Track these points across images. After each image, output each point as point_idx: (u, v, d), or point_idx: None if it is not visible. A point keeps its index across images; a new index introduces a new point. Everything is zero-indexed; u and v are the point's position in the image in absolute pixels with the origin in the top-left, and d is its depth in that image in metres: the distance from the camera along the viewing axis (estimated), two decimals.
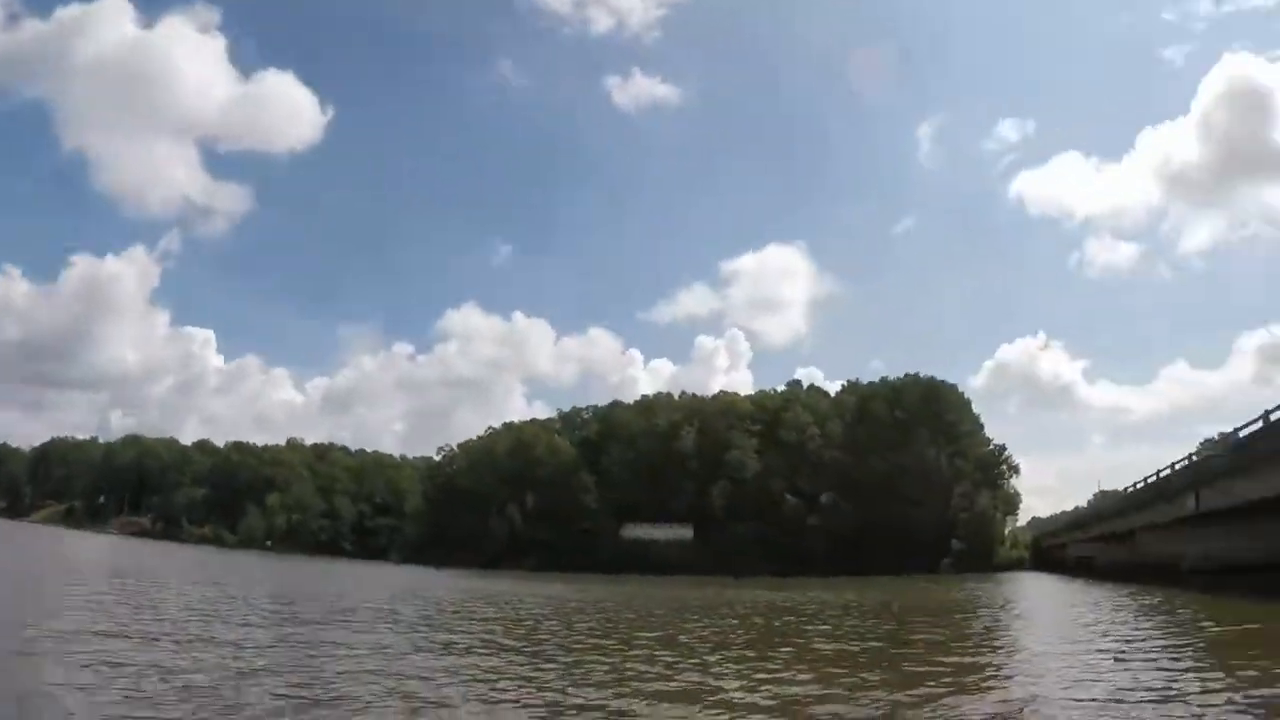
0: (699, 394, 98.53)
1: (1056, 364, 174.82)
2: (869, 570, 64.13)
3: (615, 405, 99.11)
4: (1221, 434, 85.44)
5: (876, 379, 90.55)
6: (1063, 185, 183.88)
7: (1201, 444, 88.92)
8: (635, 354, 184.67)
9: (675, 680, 10.43)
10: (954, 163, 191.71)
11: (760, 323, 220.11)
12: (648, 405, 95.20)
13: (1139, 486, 44.69)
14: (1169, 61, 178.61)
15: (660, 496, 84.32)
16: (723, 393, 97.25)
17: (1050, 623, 21.24)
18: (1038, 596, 35.95)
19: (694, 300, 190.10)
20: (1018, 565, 75.69)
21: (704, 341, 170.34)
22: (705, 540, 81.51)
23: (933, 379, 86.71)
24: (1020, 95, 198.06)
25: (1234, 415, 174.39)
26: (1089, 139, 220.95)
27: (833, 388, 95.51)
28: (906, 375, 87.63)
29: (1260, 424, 26.41)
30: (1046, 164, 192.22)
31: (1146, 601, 25.14)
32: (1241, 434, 28.67)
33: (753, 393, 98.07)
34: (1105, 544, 54.16)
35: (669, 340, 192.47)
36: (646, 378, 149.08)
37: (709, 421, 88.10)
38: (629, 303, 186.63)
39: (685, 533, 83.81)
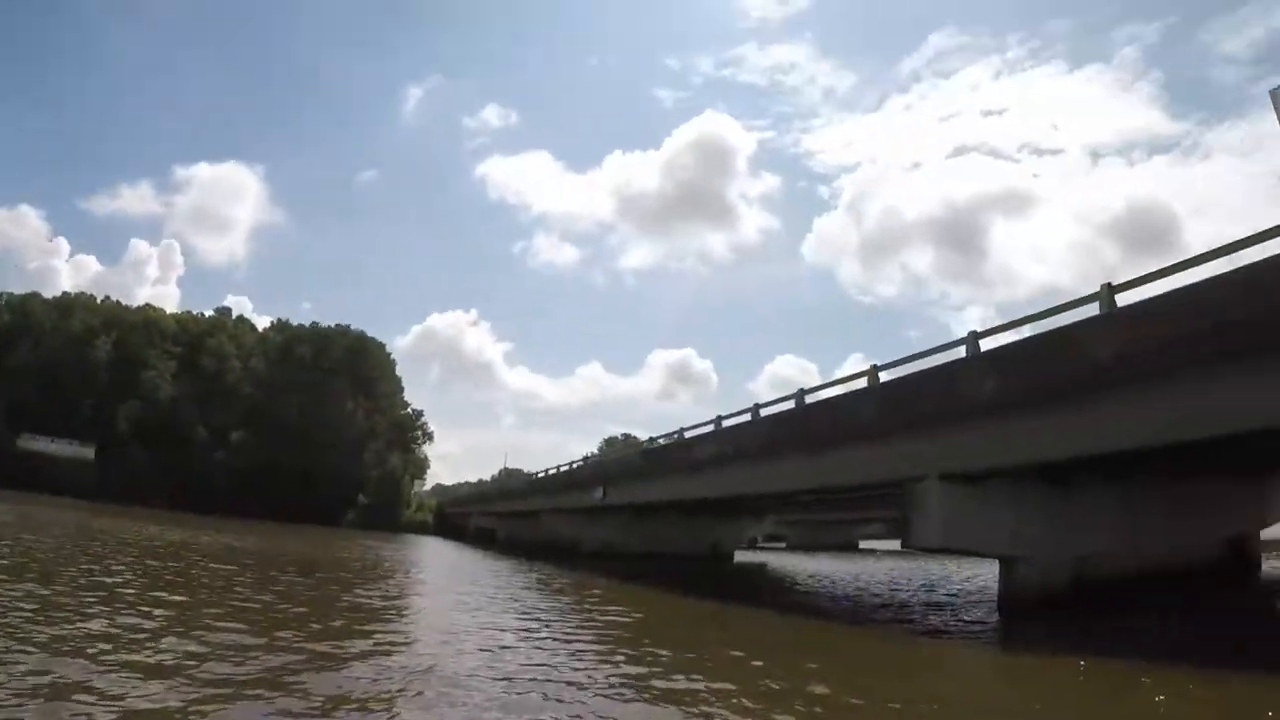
0: (124, 301, 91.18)
1: (482, 341, 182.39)
2: (274, 514, 66.67)
3: (33, 297, 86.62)
4: (625, 435, 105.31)
5: (307, 323, 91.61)
6: (527, 180, 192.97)
7: (604, 441, 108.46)
8: (63, 243, 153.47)
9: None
10: (432, 130, 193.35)
11: (200, 239, 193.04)
12: (67, 304, 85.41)
13: (550, 473, 50.06)
14: (659, 101, 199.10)
15: (64, 409, 76.89)
16: (149, 306, 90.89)
17: (452, 590, 21.07)
18: (442, 563, 36.10)
19: (136, 199, 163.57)
20: (422, 529, 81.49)
21: (138, 246, 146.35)
22: (107, 463, 76.05)
23: (362, 333, 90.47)
24: (513, 87, 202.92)
25: (638, 420, 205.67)
26: (563, 146, 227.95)
27: (261, 322, 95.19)
28: (337, 325, 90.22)
29: (665, 439, 31.71)
30: (517, 155, 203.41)
31: (548, 577, 25.89)
32: (655, 443, 33.69)
33: (179, 311, 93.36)
34: (507, 519, 61.33)
35: (101, 236, 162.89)
36: (69, 271, 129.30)
37: (128, 335, 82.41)
38: (67, 185, 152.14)
39: (87, 453, 77.32)
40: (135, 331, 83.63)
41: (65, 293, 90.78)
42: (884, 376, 18.07)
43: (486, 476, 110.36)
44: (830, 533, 58.99)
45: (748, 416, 22.97)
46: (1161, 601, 15.30)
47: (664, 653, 10.98)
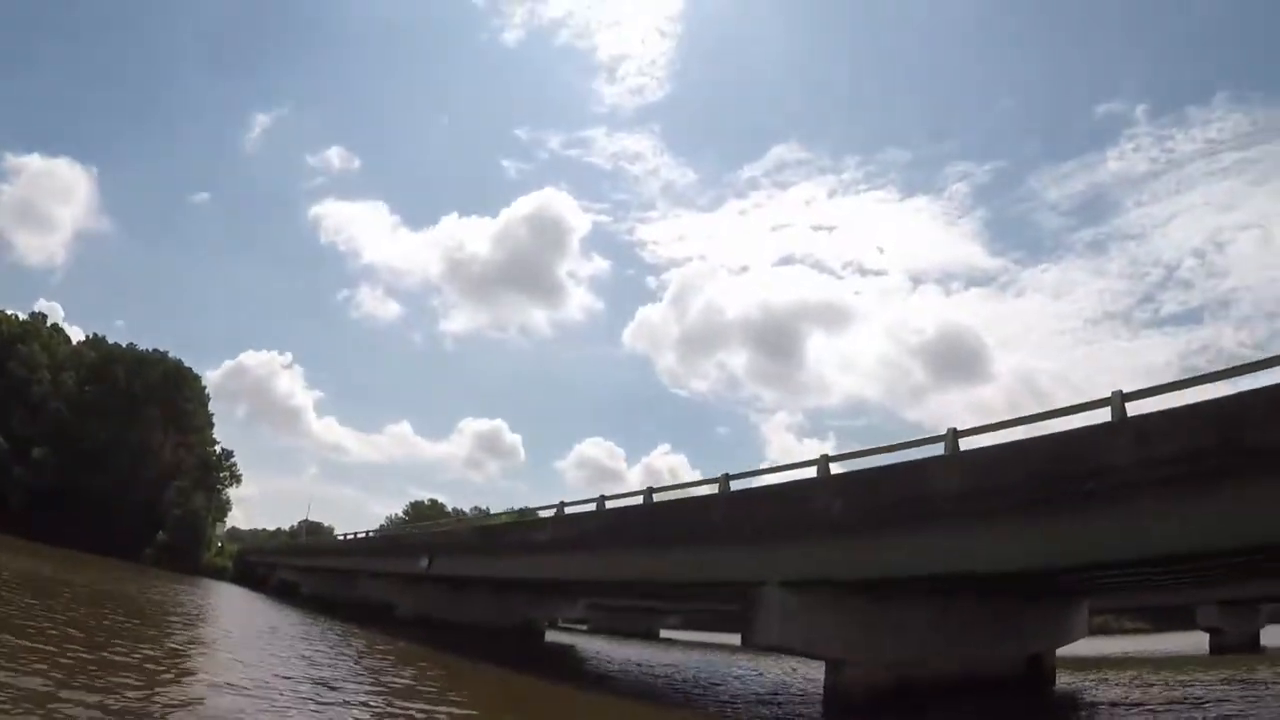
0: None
1: (294, 386, 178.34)
2: (70, 541, 63.65)
3: None
4: (432, 500, 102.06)
5: (124, 342, 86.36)
6: (359, 228, 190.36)
7: (410, 505, 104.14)
8: None
9: None
10: (273, 163, 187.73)
11: (21, 236, 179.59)
12: None
13: (370, 535, 53.24)
14: (504, 170, 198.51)
15: None
16: None
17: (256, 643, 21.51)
18: (248, 613, 36.51)
19: None
20: (220, 574, 77.48)
21: None
22: None
23: (180, 363, 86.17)
24: (360, 132, 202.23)
25: (442, 485, 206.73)
26: (402, 199, 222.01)
27: (75, 335, 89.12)
28: (154, 351, 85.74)
29: (500, 518, 36.19)
30: (354, 202, 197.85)
31: (353, 637, 27.30)
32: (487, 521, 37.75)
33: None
34: (315, 575, 59.89)
35: None
36: None
37: None
38: None
39: None
40: None
41: None
42: (734, 485, 19.12)
43: (285, 526, 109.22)
44: (632, 620, 60.13)
45: (592, 506, 23.57)
46: (973, 705, 16.71)
47: None
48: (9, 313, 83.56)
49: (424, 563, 34.75)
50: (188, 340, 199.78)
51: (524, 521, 27.70)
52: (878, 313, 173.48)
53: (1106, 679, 24.82)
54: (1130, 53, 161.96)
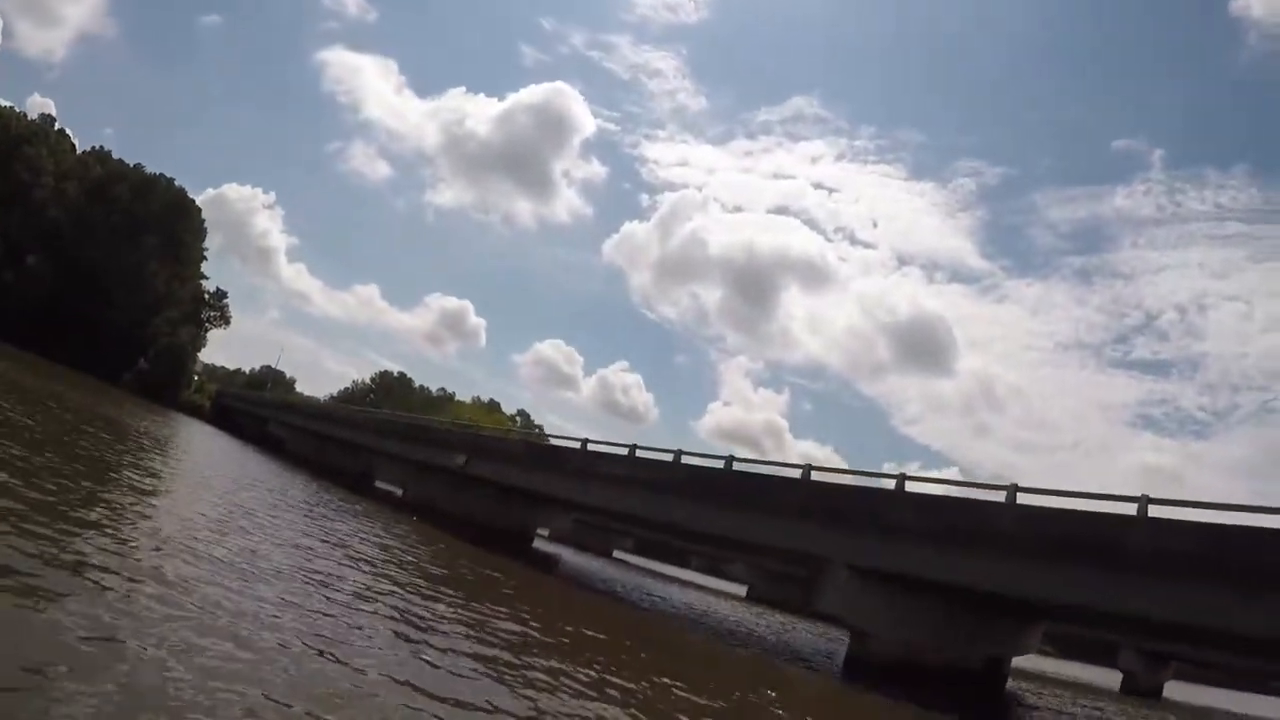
0: None
1: (271, 226, 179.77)
2: (51, 354, 66.82)
3: None
4: (401, 374, 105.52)
5: (118, 155, 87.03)
6: (362, 81, 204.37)
7: (378, 373, 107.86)
8: None
9: None
10: None
11: (23, 25, 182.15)
12: None
13: (398, 417, 57.42)
14: (521, 56, 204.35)
15: None
16: None
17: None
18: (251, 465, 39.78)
19: None
20: (196, 412, 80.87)
21: None
22: None
23: (184, 192, 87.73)
24: None
25: (400, 355, 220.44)
26: (413, 63, 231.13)
27: (80, 143, 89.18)
28: (160, 175, 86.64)
29: (556, 440, 39.88)
30: (362, 54, 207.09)
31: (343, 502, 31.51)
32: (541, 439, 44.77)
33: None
34: (305, 435, 65.13)
35: None
36: None
37: None
38: None
39: None
40: None
41: None
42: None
43: (244, 368, 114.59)
44: (591, 536, 65.75)
45: (669, 457, 28.82)
46: (951, 688, 22.29)
47: None
48: (17, 111, 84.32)
49: (460, 459, 38.90)
50: (174, 160, 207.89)
51: (587, 452, 32.42)
52: (857, 283, 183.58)
53: (1040, 690, 31.61)
54: (1163, 99, 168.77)
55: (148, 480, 19.38)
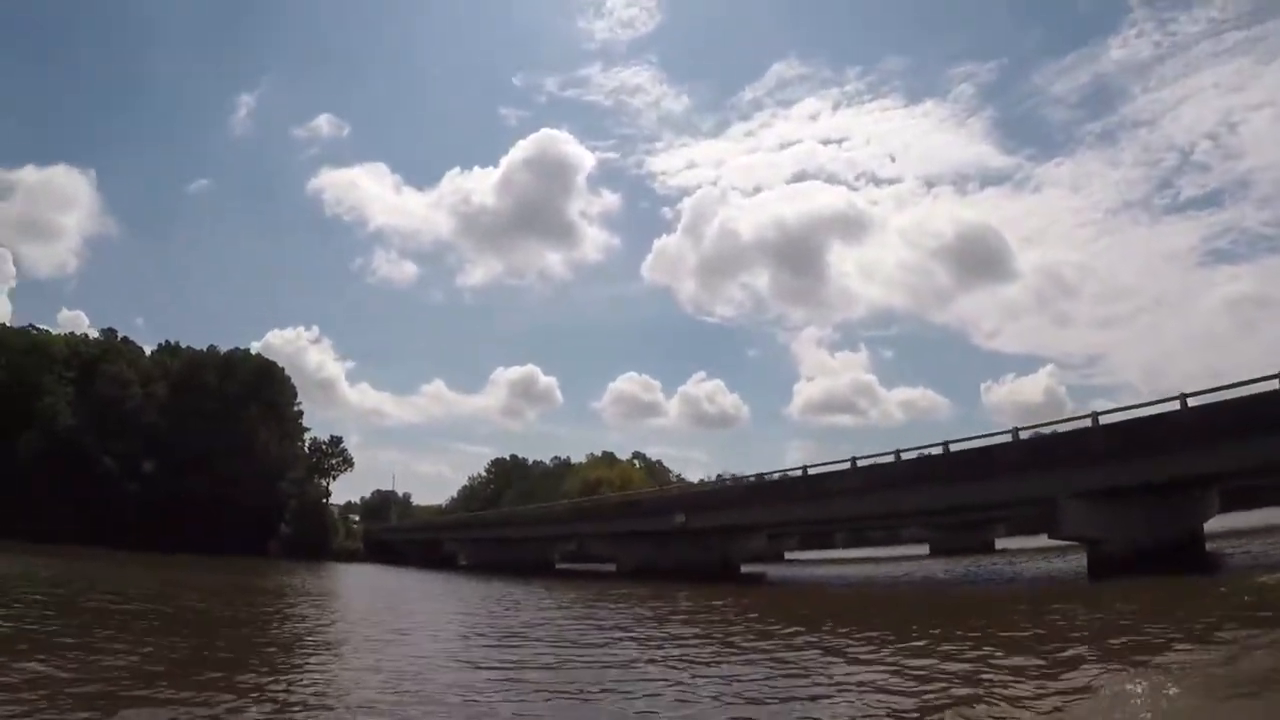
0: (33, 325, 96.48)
1: (323, 358, 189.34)
2: (191, 547, 72.76)
3: None
4: (513, 456, 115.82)
5: (203, 347, 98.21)
6: (363, 193, 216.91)
7: (491, 463, 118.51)
8: None
9: None
10: (264, 140, 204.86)
11: (28, 248, 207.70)
12: None
13: (617, 502, 63.25)
14: (503, 119, 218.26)
15: None
16: (33, 327, 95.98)
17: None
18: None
19: None
20: (354, 555, 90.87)
21: None
22: (5, 497, 78.45)
23: (263, 357, 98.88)
24: (346, 96, 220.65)
25: (484, 437, 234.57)
26: (401, 159, 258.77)
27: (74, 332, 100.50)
28: (237, 349, 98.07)
29: (766, 475, 48.92)
30: (350, 168, 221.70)
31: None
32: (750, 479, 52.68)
33: (63, 333, 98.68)
34: (482, 544, 75.19)
35: None
36: None
37: (17, 359, 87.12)
38: None
39: None
40: (25, 356, 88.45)
41: None
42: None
43: (354, 499, 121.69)
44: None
45: (890, 458, 37.33)
46: (1162, 566, 29.90)
47: None
48: (82, 335, 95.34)
49: (680, 518, 46.97)
50: (212, 327, 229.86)
51: (807, 477, 41.18)
52: (895, 220, 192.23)
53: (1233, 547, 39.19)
54: None
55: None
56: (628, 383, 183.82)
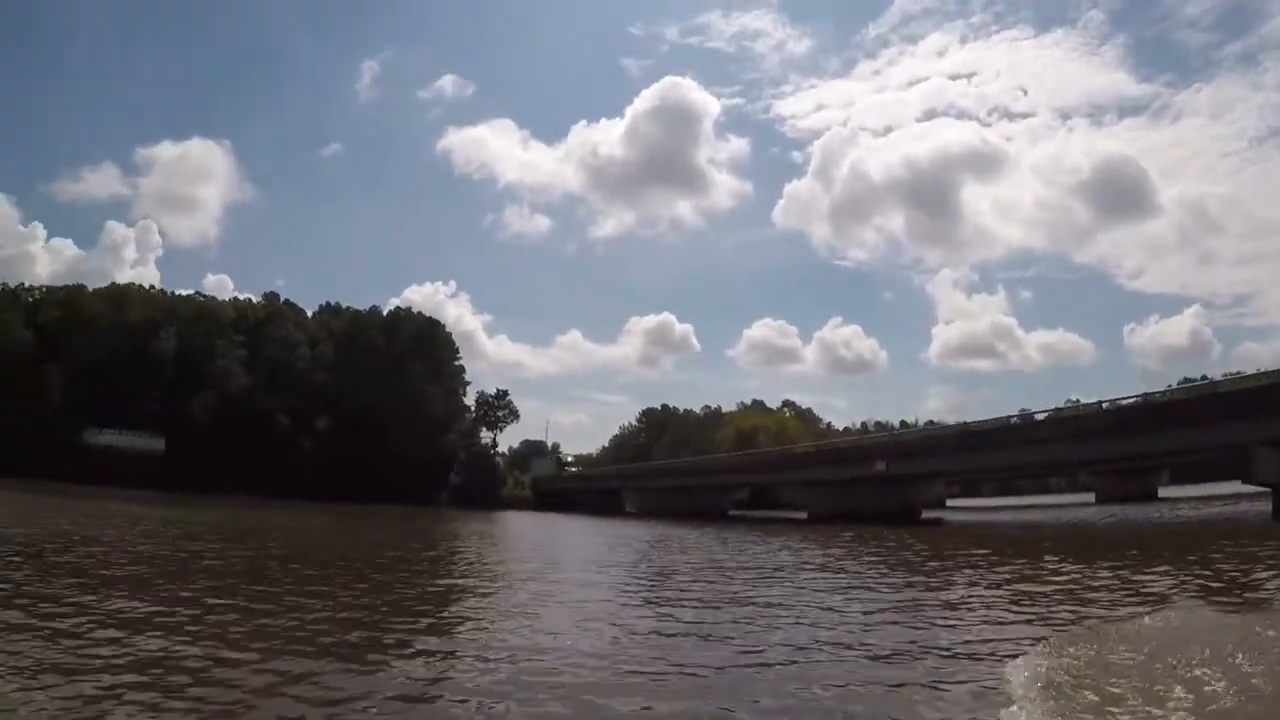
0: (176, 291, 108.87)
1: (462, 312, 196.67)
2: (359, 498, 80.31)
3: (80, 290, 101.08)
4: (664, 406, 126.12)
5: (364, 308, 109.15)
6: (491, 151, 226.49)
7: (642, 413, 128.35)
8: (38, 228, 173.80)
9: None
10: (389, 104, 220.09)
11: (170, 219, 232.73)
12: (117, 295, 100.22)
13: (816, 450, 70.82)
14: (625, 70, 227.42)
15: (131, 402, 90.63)
16: (199, 294, 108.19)
17: None
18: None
19: (101, 181, 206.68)
20: (524, 504, 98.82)
21: (114, 228, 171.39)
22: (181, 455, 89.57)
23: (425, 316, 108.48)
24: (468, 56, 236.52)
25: (622, 386, 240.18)
26: (527, 115, 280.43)
27: (237, 296, 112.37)
28: (399, 309, 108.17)
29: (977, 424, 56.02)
30: (477, 126, 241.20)
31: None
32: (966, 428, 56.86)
33: (229, 298, 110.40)
34: (652, 493, 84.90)
35: (69, 220, 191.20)
36: (46, 257, 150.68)
37: (189, 325, 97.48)
38: (25, 170, 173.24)
39: (156, 444, 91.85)
40: (195, 322, 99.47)
41: (114, 284, 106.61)
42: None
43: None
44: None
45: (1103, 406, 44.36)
46: None
47: None
48: (249, 299, 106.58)
49: (880, 465, 54.95)
50: (350, 286, 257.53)
51: (1015, 425, 48.64)
52: (1030, 156, 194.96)
53: None
54: None
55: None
56: (763, 329, 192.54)
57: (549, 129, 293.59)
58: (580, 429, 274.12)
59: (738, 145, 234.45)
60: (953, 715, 8.35)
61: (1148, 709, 7.78)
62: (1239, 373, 42.12)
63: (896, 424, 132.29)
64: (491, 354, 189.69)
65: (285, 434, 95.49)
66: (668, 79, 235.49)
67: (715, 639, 12.78)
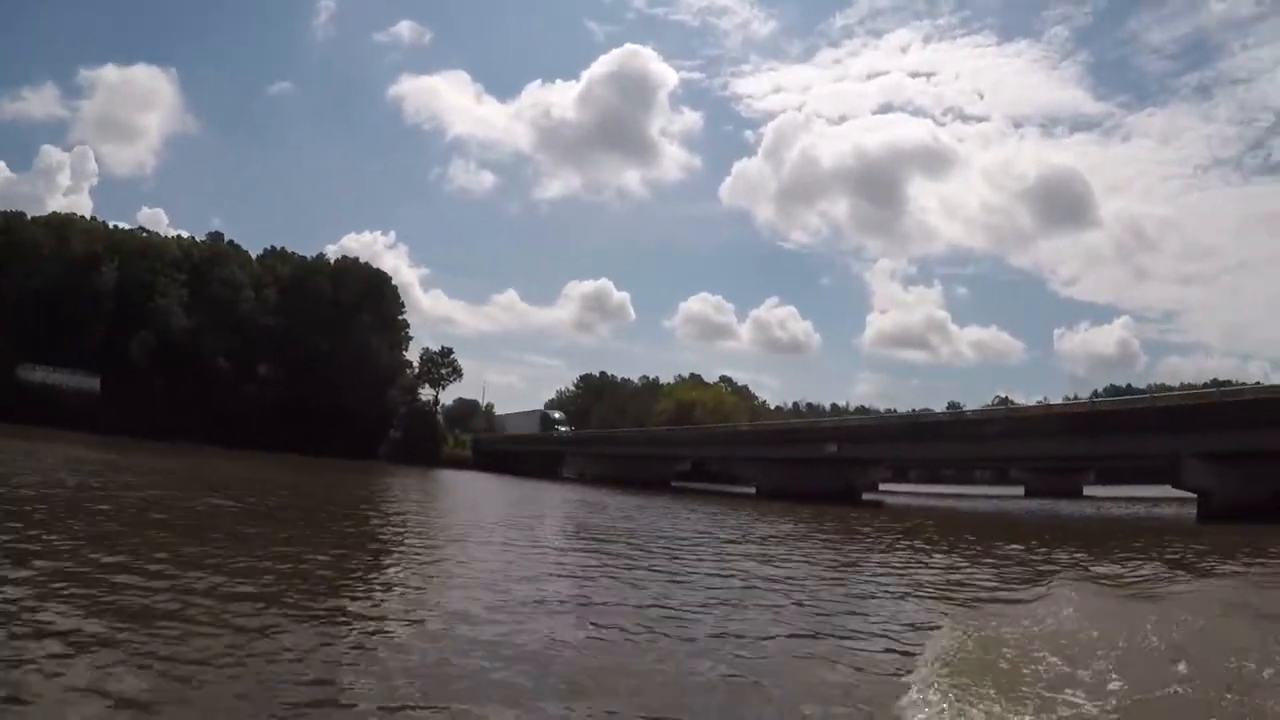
0: (115, 224, 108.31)
1: (399, 263, 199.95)
2: (305, 448, 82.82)
3: (19, 217, 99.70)
4: (603, 373, 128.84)
5: (304, 253, 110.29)
6: (441, 100, 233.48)
7: (580, 378, 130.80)
8: None
9: None
10: (344, 44, 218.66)
11: (108, 146, 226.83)
12: (58, 224, 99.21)
13: (775, 430, 76.40)
14: (590, 33, 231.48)
15: (66, 338, 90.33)
16: (142, 229, 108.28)
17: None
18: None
19: (41, 102, 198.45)
20: (464, 463, 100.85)
21: (49, 152, 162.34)
22: (118, 395, 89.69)
23: (374, 267, 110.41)
24: (425, 5, 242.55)
25: (556, 350, 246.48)
26: (482, 69, 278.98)
27: (181, 234, 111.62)
28: (346, 257, 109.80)
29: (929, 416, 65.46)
30: (432, 75, 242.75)
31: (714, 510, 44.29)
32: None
33: (173, 236, 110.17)
34: (606, 460, 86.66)
35: (4, 140, 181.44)
36: None
37: (131, 260, 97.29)
38: None
39: (92, 383, 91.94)
40: (139, 258, 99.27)
41: (55, 213, 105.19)
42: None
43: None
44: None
45: (1044, 406, 48.54)
46: (1256, 515, 40.42)
47: None
48: (192, 238, 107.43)
49: (832, 448, 58.30)
50: (289, 230, 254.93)
51: (965, 420, 52.82)
52: (980, 158, 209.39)
53: None
54: None
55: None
56: (700, 303, 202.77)
57: (504, 85, 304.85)
58: (513, 390, 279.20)
59: (691, 119, 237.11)
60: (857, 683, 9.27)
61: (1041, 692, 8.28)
62: (1163, 384, 45.59)
63: (827, 406, 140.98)
64: (427, 308, 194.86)
65: (227, 379, 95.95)
66: (628, 46, 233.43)
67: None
